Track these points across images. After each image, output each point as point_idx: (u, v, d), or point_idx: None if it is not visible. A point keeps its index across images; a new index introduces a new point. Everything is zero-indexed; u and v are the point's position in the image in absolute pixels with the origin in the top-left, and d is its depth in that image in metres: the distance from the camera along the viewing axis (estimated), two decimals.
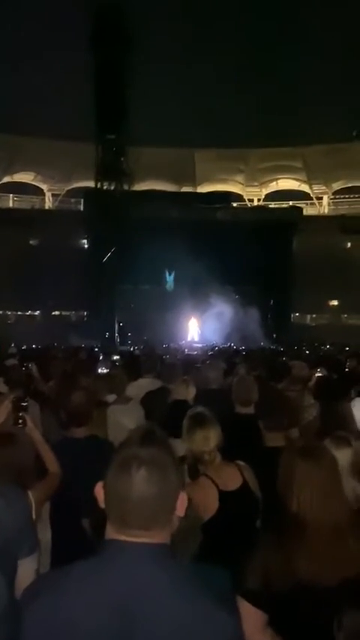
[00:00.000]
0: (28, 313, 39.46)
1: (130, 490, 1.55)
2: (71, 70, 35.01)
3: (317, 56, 43.17)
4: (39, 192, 45.32)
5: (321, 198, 45.58)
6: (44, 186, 45.39)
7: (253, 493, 3.33)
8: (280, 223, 34.17)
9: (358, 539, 2.21)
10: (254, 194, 46.99)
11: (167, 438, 1.73)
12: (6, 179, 43.88)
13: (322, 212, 44.52)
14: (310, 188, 45.94)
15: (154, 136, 39.58)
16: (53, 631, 1.48)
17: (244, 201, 46.00)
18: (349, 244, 40.79)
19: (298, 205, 41.06)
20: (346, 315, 40.55)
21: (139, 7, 33.37)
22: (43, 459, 3.39)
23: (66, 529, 3.55)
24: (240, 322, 30.67)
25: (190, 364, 9.62)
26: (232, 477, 3.33)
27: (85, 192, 36.97)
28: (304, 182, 46.39)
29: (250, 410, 4.73)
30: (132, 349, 21.58)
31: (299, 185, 46.82)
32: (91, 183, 34.45)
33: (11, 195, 42.95)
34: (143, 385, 6.82)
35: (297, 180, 46.84)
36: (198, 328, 34.15)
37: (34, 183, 45.41)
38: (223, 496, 3.22)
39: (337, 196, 45.37)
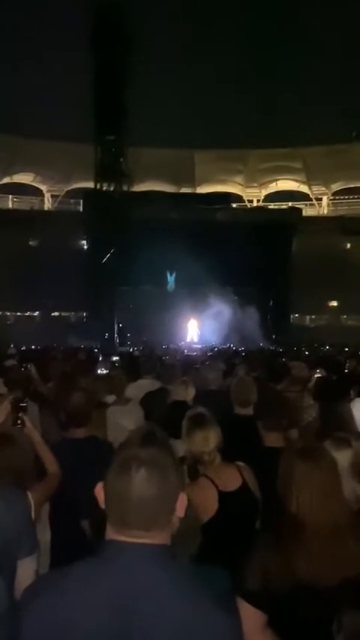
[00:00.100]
0: (27, 314, 39.44)
1: (130, 490, 1.55)
2: (71, 70, 35.07)
3: (317, 56, 43.24)
4: (38, 193, 45.32)
5: (320, 199, 45.60)
6: (44, 187, 45.39)
7: (253, 494, 3.33)
8: (280, 224, 34.17)
9: (357, 540, 2.21)
10: (254, 195, 47.00)
11: (168, 438, 1.73)
12: (5, 180, 43.87)
13: (321, 213, 44.52)
14: (310, 189, 45.95)
15: (153, 137, 39.64)
16: (53, 631, 1.48)
17: (244, 202, 46.00)
18: (348, 245, 40.81)
19: (297, 206, 41.06)
20: (345, 316, 40.57)
21: (138, 8, 33.41)
22: (42, 460, 3.39)
23: (65, 530, 3.55)
24: (239, 323, 30.70)
25: (190, 365, 9.62)
26: (231, 478, 3.33)
27: (85, 193, 36.98)
28: (304, 183, 46.41)
29: (249, 411, 4.72)
30: (131, 350, 21.58)
31: (299, 186, 46.84)
32: (90, 184, 34.45)
33: (10, 196, 42.93)
34: (143, 386, 6.81)
35: (296, 181, 46.87)
36: (197, 329, 34.19)
37: (33, 184, 45.41)
38: (223, 497, 3.22)
39: (337, 197, 45.39)
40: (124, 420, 5.39)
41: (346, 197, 44.80)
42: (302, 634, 2.15)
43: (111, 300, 32.27)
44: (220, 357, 12.70)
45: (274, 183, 47.40)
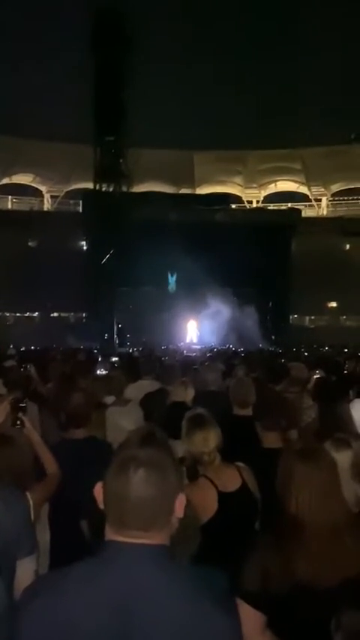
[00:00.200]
0: (26, 315, 39.46)
1: (128, 491, 1.55)
2: (70, 71, 35.06)
3: (317, 57, 43.25)
4: (38, 193, 45.32)
5: (320, 200, 45.62)
6: (43, 188, 45.38)
7: (253, 494, 3.33)
8: (279, 225, 34.19)
9: (356, 540, 2.21)
10: (253, 196, 47.02)
11: (167, 439, 1.73)
12: (5, 180, 43.86)
13: (320, 214, 44.55)
14: (309, 190, 45.97)
15: (153, 138, 39.62)
16: (52, 632, 1.48)
17: (243, 202, 46.04)
18: (347, 246, 40.84)
19: (296, 207, 41.07)
20: (344, 317, 40.60)
21: (138, 8, 33.41)
22: (41, 461, 3.40)
23: (65, 530, 3.55)
24: (238, 324, 30.72)
25: (189, 366, 9.62)
26: (231, 479, 3.33)
27: (84, 193, 37.00)
28: (303, 184, 46.43)
29: (248, 412, 4.72)
30: (131, 351, 21.58)
31: (298, 187, 46.86)
32: (90, 185, 34.45)
33: (10, 196, 42.94)
34: (142, 387, 6.81)
35: (296, 182, 46.89)
36: (197, 330, 34.20)
37: (32, 184, 45.40)
38: (223, 497, 3.22)
39: (336, 198, 45.41)
40: (123, 421, 5.39)
41: (346, 198, 44.84)
42: (302, 634, 2.15)
43: (110, 301, 32.28)
44: (219, 358, 12.71)
45: (273, 184, 47.42)
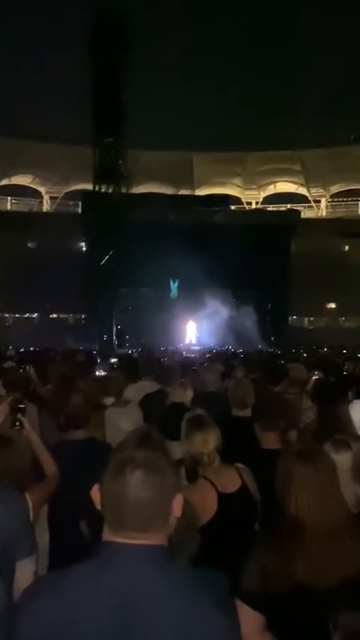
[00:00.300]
0: (26, 316, 39.47)
1: (125, 492, 1.56)
2: (70, 72, 35.06)
3: (316, 58, 43.31)
4: (37, 194, 45.35)
5: (319, 202, 45.65)
6: (42, 189, 45.40)
7: (252, 495, 3.33)
8: (278, 226, 34.25)
9: (355, 540, 2.21)
10: (252, 197, 47.06)
11: (164, 440, 1.73)
12: (4, 181, 43.88)
13: (320, 215, 44.61)
14: (308, 191, 46.00)
15: (152, 139, 39.69)
16: (52, 632, 1.48)
17: (242, 204, 46.09)
18: (346, 247, 40.89)
19: (296, 208, 41.15)
20: (343, 318, 40.62)
21: (138, 10, 33.45)
22: (40, 462, 3.40)
23: (64, 531, 3.54)
24: (238, 325, 30.73)
25: (188, 367, 9.62)
26: (231, 480, 3.33)
27: (83, 194, 37.01)
28: (302, 185, 46.46)
29: (247, 413, 4.72)
30: (130, 352, 21.57)
31: (297, 188, 46.89)
32: (89, 186, 34.48)
33: (9, 197, 42.99)
34: (141, 388, 6.81)
35: (295, 183, 46.92)
36: (196, 331, 34.20)
37: (32, 185, 45.43)
38: (222, 498, 3.22)
39: (335, 199, 45.47)
40: (122, 422, 5.38)
41: (345, 199, 44.91)
42: (302, 635, 2.15)
43: (109, 302, 32.28)
44: (218, 359, 12.71)
45: (272, 186, 47.45)
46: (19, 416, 3.32)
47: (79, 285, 30.87)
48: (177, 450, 3.38)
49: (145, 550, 1.55)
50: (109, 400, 6.15)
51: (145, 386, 6.90)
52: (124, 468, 1.57)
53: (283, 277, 33.17)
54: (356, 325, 38.24)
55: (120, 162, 31.61)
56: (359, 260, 38.25)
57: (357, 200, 44.33)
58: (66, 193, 44.71)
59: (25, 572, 2.50)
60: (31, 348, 20.74)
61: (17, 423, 3.30)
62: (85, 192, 37.03)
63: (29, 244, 38.36)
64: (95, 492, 1.64)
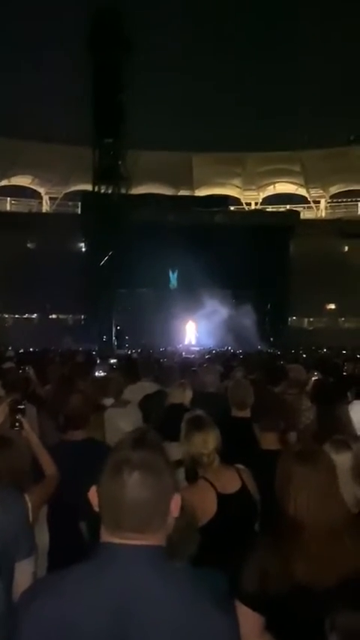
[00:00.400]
0: (25, 316, 39.45)
1: (123, 494, 1.56)
2: (69, 72, 35.11)
3: (316, 59, 43.37)
4: (36, 195, 45.34)
5: (318, 202, 45.67)
6: (42, 190, 45.40)
7: (252, 496, 3.33)
8: (278, 227, 34.28)
9: (355, 541, 2.21)
10: (252, 198, 47.06)
11: (160, 440, 1.73)
12: (3, 182, 43.86)
13: (319, 216, 44.63)
14: (308, 192, 46.02)
15: (152, 140, 39.71)
16: (51, 633, 1.48)
17: (242, 204, 46.10)
18: (346, 248, 40.88)
19: (295, 209, 41.16)
20: (343, 319, 40.62)
21: (137, 10, 33.49)
22: (40, 462, 3.39)
23: (63, 532, 3.54)
24: (237, 326, 30.72)
25: (188, 368, 9.61)
26: (230, 480, 3.33)
27: (83, 195, 37.05)
28: (302, 186, 46.47)
29: (246, 413, 4.73)
30: (129, 352, 21.57)
31: (297, 189, 46.91)
32: (88, 187, 34.49)
33: (9, 198, 43.02)
34: (141, 388, 6.81)
35: (294, 184, 46.93)
36: (195, 332, 34.19)
37: (31, 186, 45.42)
38: (222, 499, 3.22)
39: (335, 200, 45.50)
40: (122, 423, 5.38)
41: (344, 200, 44.94)
42: (301, 636, 2.15)
43: (109, 303, 32.26)
44: (217, 360, 12.71)
45: (272, 186, 47.47)
46: (18, 417, 3.32)
47: (79, 285, 30.87)
48: (176, 450, 3.38)
49: (143, 551, 1.55)
50: (108, 401, 6.14)
51: (145, 387, 6.90)
52: (122, 470, 1.57)
53: (282, 278, 33.19)
54: (356, 326, 38.23)
55: (119, 162, 31.61)
56: (358, 261, 38.23)
57: (356, 201, 44.37)
58: (65, 194, 44.71)
59: (24, 573, 2.50)
60: (31, 349, 20.74)
61: (17, 424, 3.30)
62: (84, 192, 37.06)
63: (29, 245, 38.33)
64: (93, 494, 1.64)
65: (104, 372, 9.28)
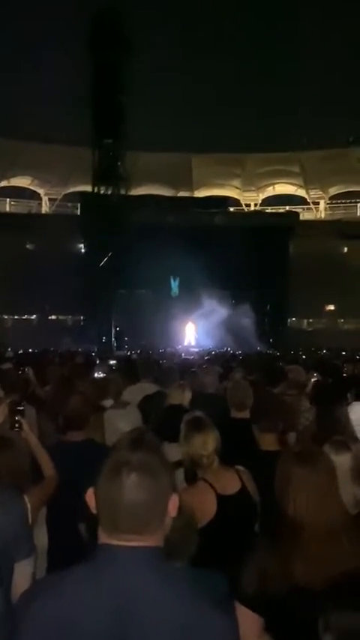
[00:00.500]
0: (24, 317, 39.43)
1: (120, 495, 1.56)
2: (69, 73, 35.11)
3: (316, 60, 43.40)
4: (36, 196, 45.31)
5: (318, 203, 45.66)
6: (41, 191, 45.36)
7: (252, 497, 3.33)
8: (277, 228, 34.26)
9: (354, 541, 2.21)
10: (251, 199, 47.05)
11: (158, 441, 1.73)
12: (3, 183, 43.83)
13: (318, 217, 44.64)
14: (307, 193, 46.02)
15: (151, 140, 39.69)
16: (51, 633, 1.49)
17: (241, 205, 46.08)
18: (345, 249, 40.87)
19: (294, 210, 41.17)
20: (342, 320, 40.61)
21: (137, 11, 33.49)
22: (39, 463, 3.39)
23: (63, 533, 3.55)
24: (236, 326, 30.72)
25: (187, 369, 9.61)
26: (230, 482, 3.33)
27: (82, 196, 36.96)
28: (301, 187, 46.47)
29: (245, 414, 4.72)
30: (129, 353, 21.56)
31: (296, 190, 46.91)
32: (88, 188, 34.47)
33: (8, 199, 42.97)
34: (141, 389, 6.81)
35: (294, 185, 46.93)
36: (195, 332, 34.18)
37: (31, 187, 45.37)
38: (222, 500, 3.22)
39: (334, 201, 45.49)
40: (121, 424, 5.37)
41: (344, 201, 44.94)
42: (300, 636, 2.15)
43: (108, 304, 32.23)
44: (217, 361, 12.71)
45: (271, 187, 47.46)
46: (18, 418, 3.32)
47: (78, 286, 30.86)
48: (176, 451, 3.38)
49: (141, 552, 1.56)
50: (108, 402, 6.14)
51: (144, 388, 6.90)
52: (120, 471, 1.57)
53: (282, 279, 33.18)
54: (355, 327, 38.22)
55: (119, 163, 31.59)
56: (358, 262, 38.23)
57: (356, 202, 44.37)
58: (65, 195, 44.67)
59: (23, 574, 2.50)
60: (30, 350, 20.72)
61: (16, 425, 3.30)
62: (84, 193, 36.98)
63: (28, 246, 38.30)
64: (90, 496, 1.64)
65: (104, 373, 9.28)
